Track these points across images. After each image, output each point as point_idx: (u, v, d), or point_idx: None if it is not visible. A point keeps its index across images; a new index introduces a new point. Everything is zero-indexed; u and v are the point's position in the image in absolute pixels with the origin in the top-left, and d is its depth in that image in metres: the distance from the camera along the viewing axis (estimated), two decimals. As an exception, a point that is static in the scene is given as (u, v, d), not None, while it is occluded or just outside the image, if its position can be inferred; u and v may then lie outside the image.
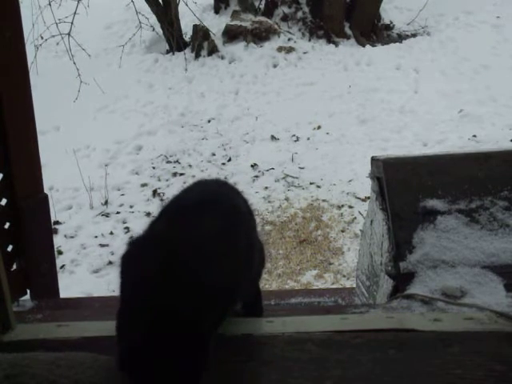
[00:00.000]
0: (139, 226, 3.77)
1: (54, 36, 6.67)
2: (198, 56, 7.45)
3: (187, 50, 7.53)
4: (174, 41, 7.45)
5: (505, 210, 1.54)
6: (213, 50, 7.45)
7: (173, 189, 4.62)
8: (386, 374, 1.07)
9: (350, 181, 4.74)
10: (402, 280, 1.45)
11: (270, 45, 7.52)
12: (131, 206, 4.57)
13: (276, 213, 4.36)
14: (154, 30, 7.78)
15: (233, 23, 7.73)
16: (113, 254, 3.89)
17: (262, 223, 4.22)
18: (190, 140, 5.68)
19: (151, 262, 0.94)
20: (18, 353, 1.04)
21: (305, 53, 7.44)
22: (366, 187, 4.02)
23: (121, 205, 4.61)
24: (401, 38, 8.01)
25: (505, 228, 1.51)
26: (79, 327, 1.28)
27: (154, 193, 4.76)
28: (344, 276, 3.58)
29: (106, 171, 4.90)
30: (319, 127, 5.74)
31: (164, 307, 0.87)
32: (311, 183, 4.77)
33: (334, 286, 3.43)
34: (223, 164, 5.21)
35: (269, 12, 8.18)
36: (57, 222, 4.28)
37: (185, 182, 4.85)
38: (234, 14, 8.03)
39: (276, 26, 7.78)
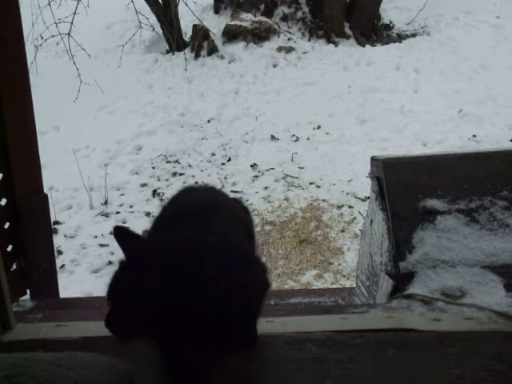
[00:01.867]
0: (139, 225, 3.77)
1: (53, 36, 6.67)
2: (197, 56, 7.45)
3: (187, 50, 7.52)
4: (174, 41, 7.44)
5: (504, 210, 1.54)
6: (213, 50, 7.44)
7: (172, 189, 4.61)
8: (386, 374, 1.07)
9: (349, 181, 4.73)
10: (401, 280, 1.45)
11: (269, 45, 7.52)
12: (131, 206, 4.57)
13: (276, 213, 4.36)
14: (153, 29, 7.77)
15: (232, 23, 7.73)
16: (113, 253, 3.88)
17: (261, 223, 4.22)
18: (189, 140, 5.68)
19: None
20: (18, 353, 1.04)
21: (305, 53, 7.44)
22: (365, 187, 4.02)
23: (121, 205, 4.61)
24: (401, 37, 8.01)
25: (504, 228, 1.51)
26: (79, 327, 1.28)
27: (154, 193, 4.75)
28: (344, 276, 3.58)
29: (106, 171, 4.90)
30: (319, 127, 5.74)
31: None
32: (311, 183, 4.77)
33: (334, 286, 3.42)
34: (223, 164, 5.21)
35: (269, 12, 8.17)
36: (57, 222, 4.28)
37: (184, 182, 4.85)
38: (234, 14, 8.03)
39: (276, 26, 7.78)
